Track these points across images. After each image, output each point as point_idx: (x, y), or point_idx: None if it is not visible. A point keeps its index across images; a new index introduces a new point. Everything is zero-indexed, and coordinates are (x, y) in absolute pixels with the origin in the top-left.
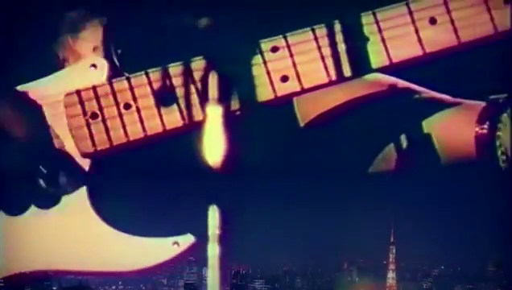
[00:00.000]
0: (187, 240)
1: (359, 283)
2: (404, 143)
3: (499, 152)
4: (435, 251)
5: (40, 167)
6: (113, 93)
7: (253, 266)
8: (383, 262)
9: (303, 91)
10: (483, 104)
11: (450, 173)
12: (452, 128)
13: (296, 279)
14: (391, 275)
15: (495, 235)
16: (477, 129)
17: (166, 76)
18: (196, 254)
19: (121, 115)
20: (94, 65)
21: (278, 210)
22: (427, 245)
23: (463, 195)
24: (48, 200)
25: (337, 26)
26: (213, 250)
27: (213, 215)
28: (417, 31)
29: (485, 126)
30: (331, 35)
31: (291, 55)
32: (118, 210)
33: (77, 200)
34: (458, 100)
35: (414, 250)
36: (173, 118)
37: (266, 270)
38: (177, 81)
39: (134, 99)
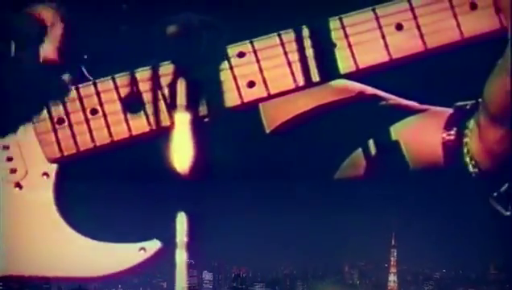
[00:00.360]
0: (153, 246)
1: (360, 286)
2: (372, 149)
3: (467, 159)
4: (436, 254)
5: None
6: (80, 98)
7: (253, 269)
8: (384, 265)
9: (270, 97)
10: (450, 110)
11: (452, 176)
12: (419, 134)
13: (297, 282)
14: (392, 278)
15: (497, 238)
16: (444, 135)
17: (133, 81)
18: (163, 260)
19: (87, 120)
20: None
21: (269, 213)
22: (428, 248)
23: (464, 197)
24: None
25: (304, 32)
26: (181, 257)
27: (181, 221)
28: (383, 37)
29: (453, 133)
30: (298, 40)
31: (258, 61)
32: (85, 215)
33: (43, 205)
34: (425, 106)
35: (416, 253)
36: (140, 123)
37: (267, 273)
38: (144, 86)
39: (101, 104)
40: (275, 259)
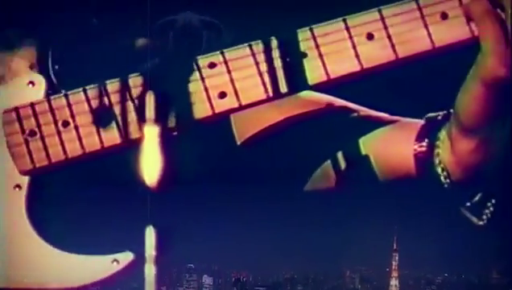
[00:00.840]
0: (126, 257)
1: None
2: (341, 161)
3: (439, 170)
4: (438, 258)
5: None
6: (52, 111)
7: (254, 273)
8: (386, 269)
9: (241, 107)
10: (421, 121)
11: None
12: (391, 146)
13: (298, 286)
14: (394, 282)
15: (499, 243)
16: (416, 147)
17: (103, 92)
18: (134, 273)
19: (59, 133)
20: (32, 82)
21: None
22: (430, 252)
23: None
24: None
25: (274, 42)
26: (150, 271)
27: (150, 235)
28: (354, 47)
29: (424, 144)
30: (268, 51)
31: (229, 72)
32: (57, 227)
33: (16, 217)
34: (395, 118)
35: (418, 257)
36: (111, 135)
37: (268, 277)
38: (115, 98)
39: (72, 116)
40: (276, 264)
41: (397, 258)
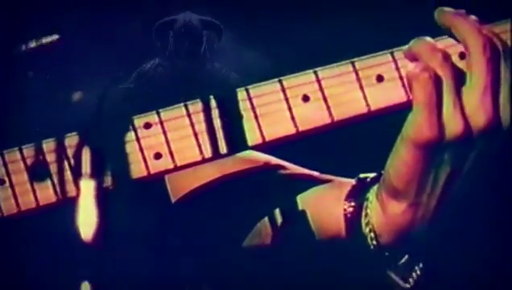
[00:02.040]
0: None
1: None
2: (277, 219)
3: (367, 230)
4: (444, 270)
5: None
6: None
7: None
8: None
9: (177, 168)
10: (353, 182)
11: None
12: (323, 205)
13: None
14: None
15: (507, 257)
16: (345, 206)
17: (39, 152)
18: None
19: None
20: None
21: None
22: (436, 263)
23: (473, 215)
24: None
25: (211, 102)
26: None
27: None
28: (290, 109)
29: (353, 204)
30: (205, 111)
31: (164, 132)
32: None
33: None
34: (327, 177)
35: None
36: (46, 193)
37: None
38: (51, 157)
39: (8, 175)
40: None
41: None
